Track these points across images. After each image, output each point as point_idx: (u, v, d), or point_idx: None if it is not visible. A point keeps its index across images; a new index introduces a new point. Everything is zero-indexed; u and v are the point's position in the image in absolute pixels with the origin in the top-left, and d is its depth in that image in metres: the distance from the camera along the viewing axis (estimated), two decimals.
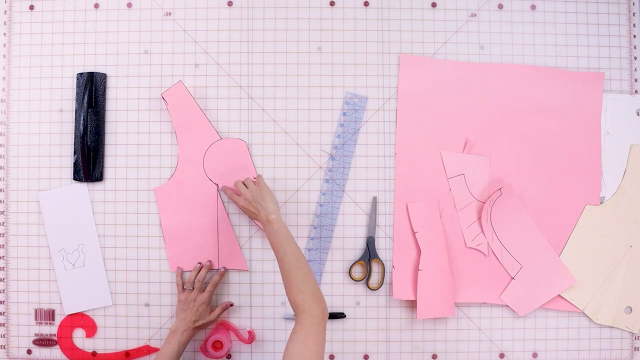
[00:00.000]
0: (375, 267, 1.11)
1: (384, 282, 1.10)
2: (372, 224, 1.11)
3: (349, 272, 1.11)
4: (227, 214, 1.11)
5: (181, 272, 1.09)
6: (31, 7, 1.13)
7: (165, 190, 1.11)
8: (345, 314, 1.11)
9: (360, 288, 1.11)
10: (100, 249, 1.11)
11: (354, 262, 1.11)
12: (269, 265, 1.11)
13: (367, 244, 1.10)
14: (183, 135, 1.11)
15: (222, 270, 1.09)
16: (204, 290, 1.06)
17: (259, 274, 1.11)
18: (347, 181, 1.11)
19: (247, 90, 1.12)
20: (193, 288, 1.06)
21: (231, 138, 1.11)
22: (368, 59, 1.12)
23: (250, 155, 1.11)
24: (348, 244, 1.11)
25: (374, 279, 1.11)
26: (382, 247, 1.11)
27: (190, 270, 1.09)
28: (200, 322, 1.05)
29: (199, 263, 1.09)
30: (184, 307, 1.05)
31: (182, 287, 1.08)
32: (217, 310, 1.07)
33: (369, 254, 1.10)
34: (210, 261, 1.09)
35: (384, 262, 1.10)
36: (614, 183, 1.12)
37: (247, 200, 1.03)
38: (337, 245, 1.11)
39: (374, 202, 1.11)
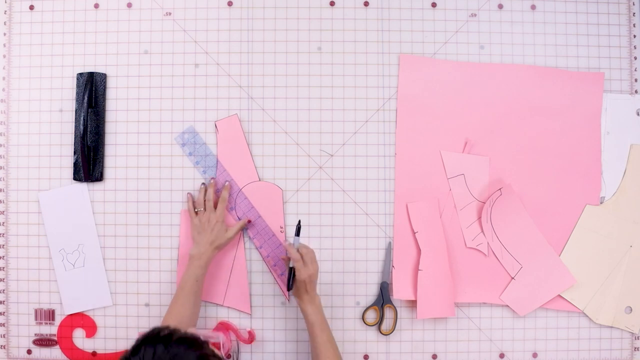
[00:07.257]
0: (388, 313, 1.10)
1: (396, 327, 1.10)
2: (386, 270, 1.10)
3: (363, 318, 1.10)
4: (246, 260, 1.10)
5: (191, 198, 1.09)
6: (31, 7, 1.13)
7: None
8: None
9: (361, 288, 1.11)
10: (100, 249, 1.11)
11: (366, 307, 1.10)
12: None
13: (380, 290, 1.10)
14: (224, 166, 1.10)
15: (227, 184, 1.08)
16: (215, 210, 1.06)
17: (259, 274, 1.11)
18: (347, 181, 1.12)
19: (247, 90, 1.12)
20: (205, 209, 1.06)
21: (269, 182, 1.10)
22: (368, 59, 1.12)
23: (283, 203, 1.11)
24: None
25: (387, 324, 1.10)
26: (382, 248, 1.11)
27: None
28: (217, 242, 1.04)
29: (203, 184, 1.09)
30: (199, 230, 1.04)
31: (194, 211, 1.07)
32: (235, 227, 1.06)
33: (382, 300, 1.09)
34: (213, 179, 1.09)
35: (397, 308, 1.10)
36: (614, 183, 1.12)
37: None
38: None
39: (389, 247, 1.10)
